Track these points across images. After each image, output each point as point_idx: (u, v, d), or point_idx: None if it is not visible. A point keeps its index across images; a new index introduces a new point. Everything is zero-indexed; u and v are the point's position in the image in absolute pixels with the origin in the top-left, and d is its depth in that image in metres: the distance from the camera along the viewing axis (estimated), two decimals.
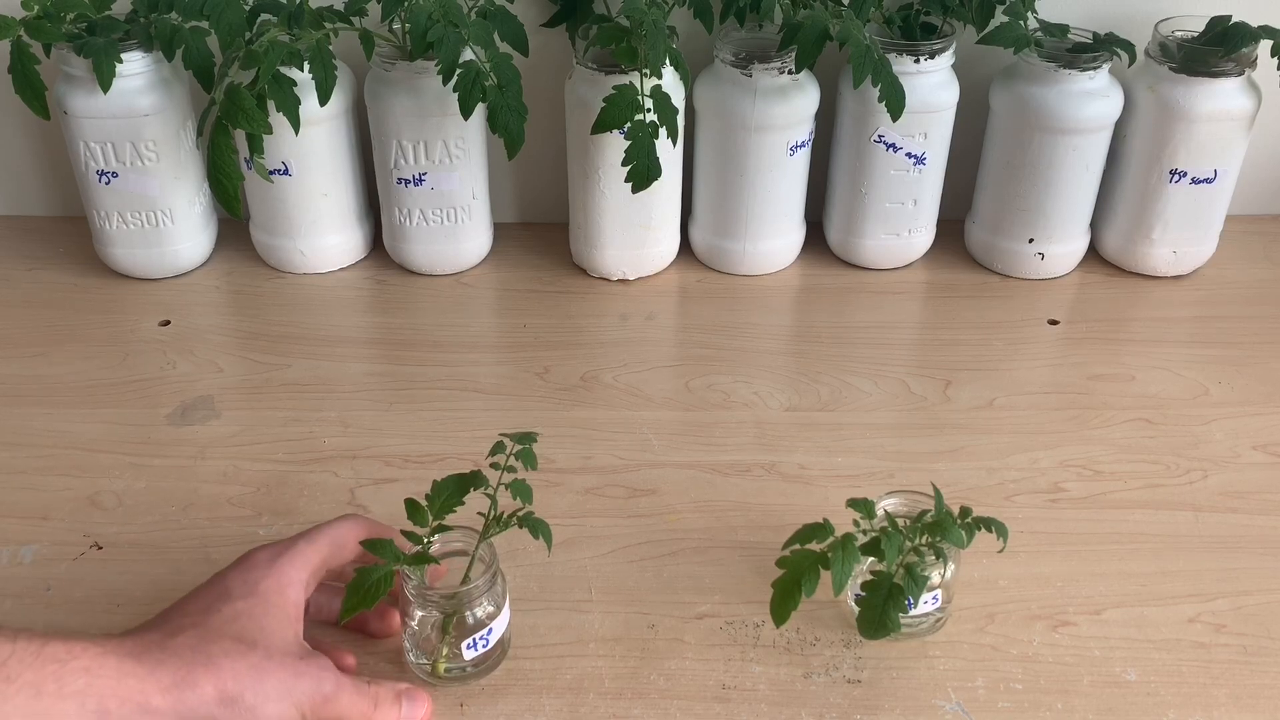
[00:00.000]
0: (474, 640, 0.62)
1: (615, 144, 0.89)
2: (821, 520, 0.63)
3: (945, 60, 0.94)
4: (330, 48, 0.87)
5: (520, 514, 0.61)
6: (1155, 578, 0.71)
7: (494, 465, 0.61)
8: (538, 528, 0.61)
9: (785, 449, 0.81)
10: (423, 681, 0.63)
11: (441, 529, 0.61)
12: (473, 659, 0.63)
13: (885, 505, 0.66)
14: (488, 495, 0.61)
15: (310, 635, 0.59)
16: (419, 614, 0.62)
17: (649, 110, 0.85)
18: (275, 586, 0.58)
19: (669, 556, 0.72)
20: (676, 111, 0.88)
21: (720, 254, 1.02)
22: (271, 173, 0.93)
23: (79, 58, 0.88)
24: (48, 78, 0.89)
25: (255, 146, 0.85)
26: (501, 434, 0.63)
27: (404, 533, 0.60)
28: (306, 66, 0.85)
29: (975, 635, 0.67)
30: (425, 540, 0.60)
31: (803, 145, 0.96)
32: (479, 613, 0.62)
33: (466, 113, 0.86)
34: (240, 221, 1.03)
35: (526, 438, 0.62)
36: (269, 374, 0.89)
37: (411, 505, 0.60)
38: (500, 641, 0.64)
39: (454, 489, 0.61)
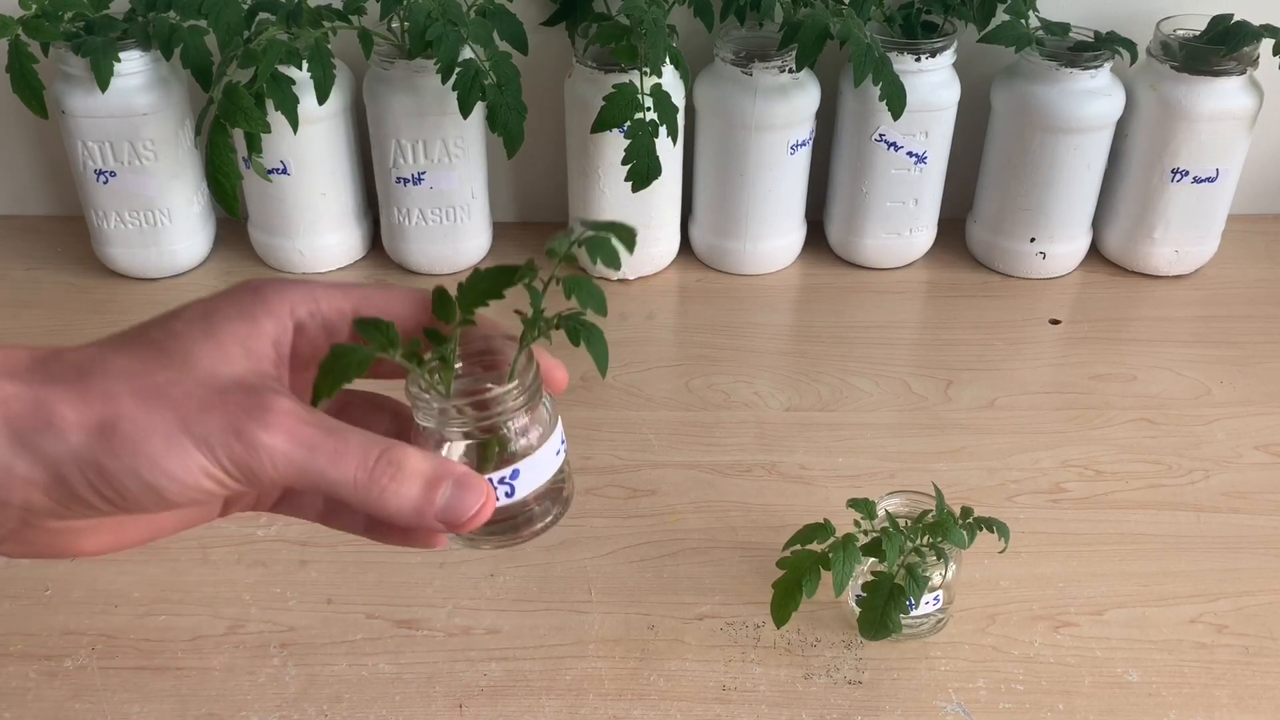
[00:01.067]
0: (492, 484, 0.43)
1: (615, 143, 0.89)
2: (822, 521, 0.63)
3: (946, 59, 0.93)
4: (329, 46, 0.87)
5: (570, 315, 0.43)
6: (1157, 578, 0.71)
7: (549, 252, 0.41)
8: (589, 336, 0.43)
9: (786, 449, 0.81)
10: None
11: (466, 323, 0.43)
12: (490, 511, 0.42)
13: (886, 505, 0.66)
14: (532, 289, 0.42)
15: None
16: (430, 443, 0.44)
17: (649, 109, 0.85)
18: (238, 313, 0.40)
19: (669, 557, 0.72)
20: (676, 110, 0.88)
21: (720, 253, 1.01)
22: (270, 172, 0.93)
23: (77, 57, 0.87)
24: (45, 77, 0.89)
25: (254, 145, 0.84)
26: (581, 219, 0.45)
27: (426, 331, 0.42)
28: (305, 65, 0.85)
29: (976, 636, 0.66)
30: (449, 338, 0.42)
31: (803, 144, 0.96)
32: (517, 446, 0.44)
33: (466, 111, 0.85)
34: (239, 221, 1.02)
35: (614, 227, 0.41)
36: None
37: (440, 297, 0.43)
38: (542, 498, 0.45)
39: (494, 281, 0.42)
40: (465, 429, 0.43)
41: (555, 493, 0.46)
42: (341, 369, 0.40)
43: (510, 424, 0.43)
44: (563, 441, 0.45)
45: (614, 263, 0.40)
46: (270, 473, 0.37)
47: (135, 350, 0.38)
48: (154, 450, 0.36)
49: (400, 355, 0.41)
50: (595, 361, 0.43)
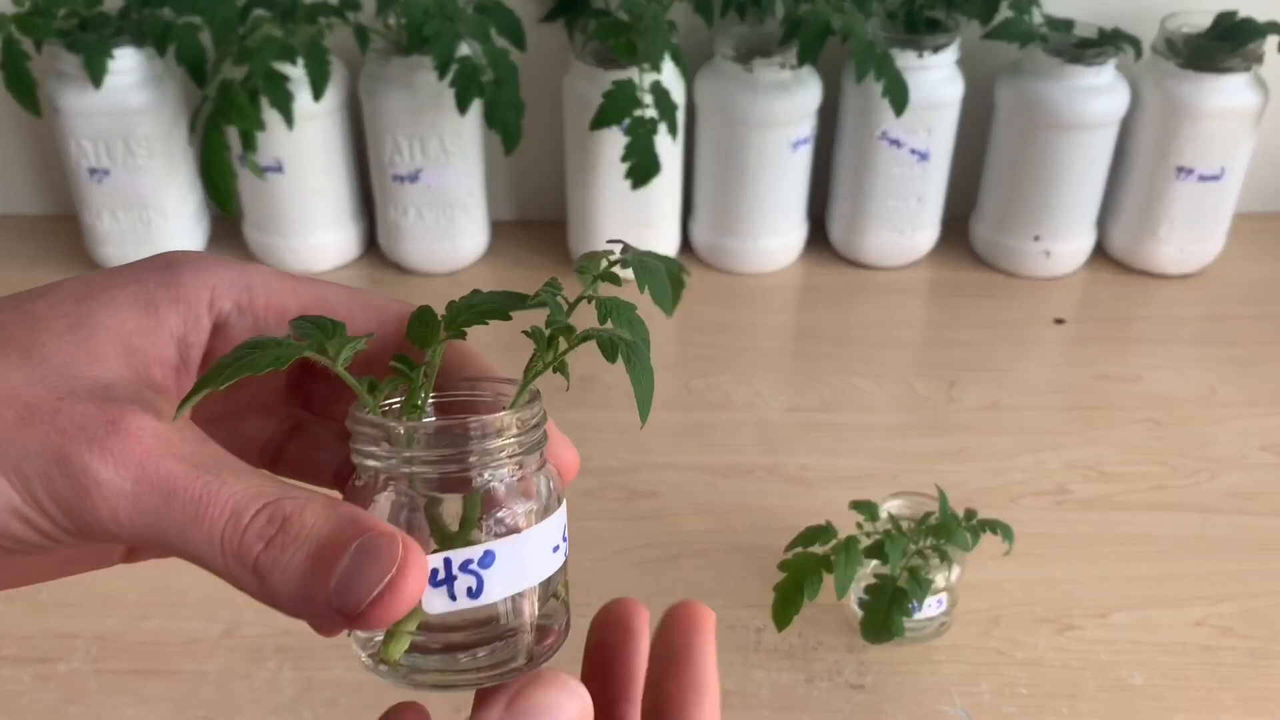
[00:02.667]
0: (449, 570, 0.28)
1: (614, 140, 0.88)
2: (824, 523, 0.63)
3: (949, 55, 0.93)
4: (324, 43, 0.86)
5: (604, 332, 0.30)
6: (1162, 580, 0.70)
7: (581, 270, 0.31)
8: (632, 358, 0.30)
9: (787, 450, 0.80)
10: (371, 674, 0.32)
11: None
12: (441, 614, 0.29)
13: (889, 507, 0.66)
14: (553, 300, 0.30)
15: None
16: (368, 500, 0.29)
17: (648, 106, 0.84)
18: (131, 297, 0.29)
19: (669, 560, 0.71)
20: (676, 107, 0.87)
21: (721, 252, 1.01)
22: (264, 169, 0.92)
23: (70, 54, 0.87)
24: (39, 74, 0.88)
25: (248, 143, 0.84)
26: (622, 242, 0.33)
27: (395, 359, 0.30)
28: (300, 61, 0.84)
29: (980, 639, 0.66)
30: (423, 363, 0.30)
31: (805, 141, 0.95)
32: (495, 518, 0.29)
33: (463, 108, 0.85)
34: (233, 219, 1.02)
35: (665, 260, 0.32)
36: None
37: (420, 317, 0.31)
38: (519, 613, 0.30)
39: (499, 302, 0.30)
40: (423, 474, 0.29)
41: (545, 612, 0.31)
42: (243, 362, 0.27)
43: (492, 478, 0.29)
44: (564, 539, 0.31)
45: (664, 301, 0.31)
46: (105, 523, 0.26)
47: None
48: None
49: (339, 364, 0.29)
50: (637, 396, 0.29)
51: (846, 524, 0.63)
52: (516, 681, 0.28)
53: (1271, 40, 0.90)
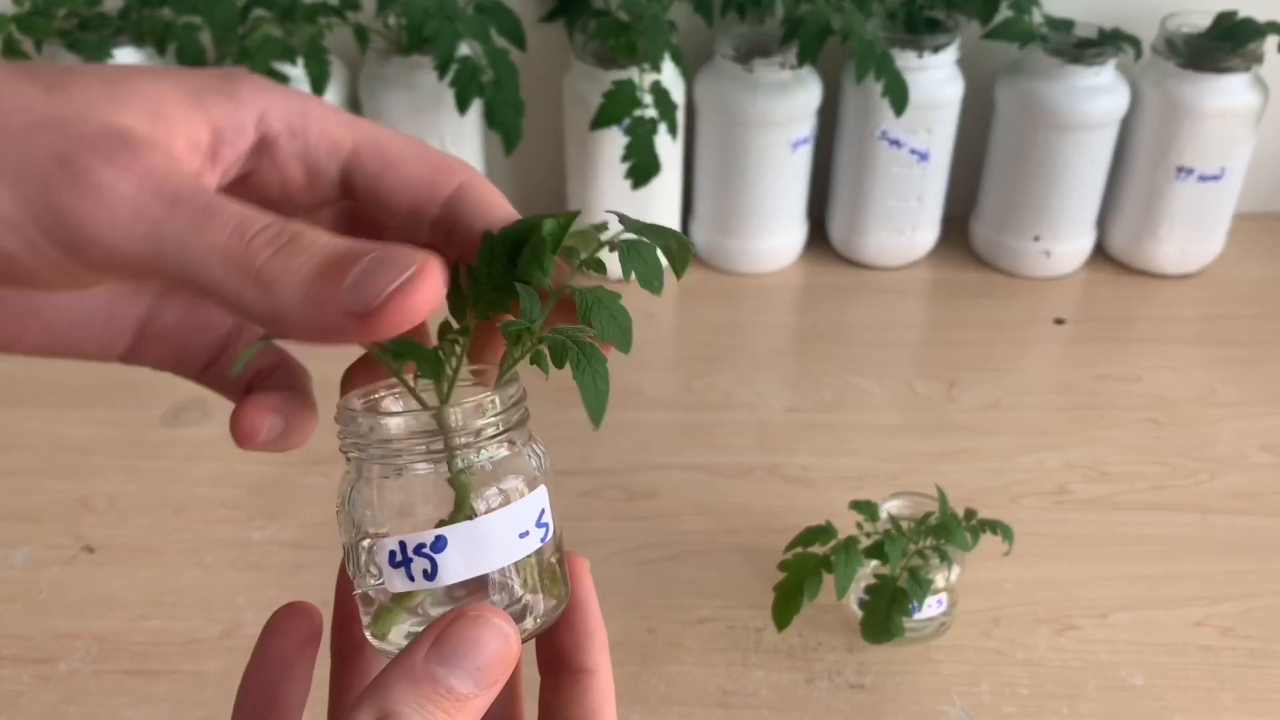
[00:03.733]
0: (405, 552, 0.29)
1: (614, 140, 0.88)
2: (824, 523, 0.63)
3: (949, 55, 0.93)
4: (324, 43, 0.86)
5: (565, 331, 0.29)
6: (1162, 580, 0.70)
7: (569, 251, 0.30)
8: (586, 363, 0.29)
9: (787, 450, 0.80)
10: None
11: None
12: (403, 592, 0.30)
13: (889, 507, 0.66)
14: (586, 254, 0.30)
15: None
16: (351, 483, 0.30)
17: (648, 105, 0.84)
18: (177, 83, 0.28)
19: (669, 560, 0.71)
20: (676, 107, 0.87)
21: (721, 252, 1.01)
22: None
23: (70, 54, 0.87)
24: None
25: None
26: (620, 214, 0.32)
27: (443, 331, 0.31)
28: (300, 62, 0.84)
29: (980, 639, 0.66)
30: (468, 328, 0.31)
31: (805, 141, 0.95)
32: (492, 493, 0.30)
33: (463, 108, 0.85)
34: None
35: (665, 234, 0.31)
36: None
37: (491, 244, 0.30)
38: (505, 589, 0.30)
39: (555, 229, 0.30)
40: (415, 459, 0.30)
41: (534, 588, 0.31)
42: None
43: (480, 457, 0.30)
44: (543, 523, 0.30)
45: (654, 283, 0.30)
46: (103, 229, 0.24)
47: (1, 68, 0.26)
48: None
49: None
50: (585, 403, 0.28)
51: (846, 524, 0.63)
52: (442, 619, 0.28)
53: (1271, 40, 0.90)
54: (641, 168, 0.85)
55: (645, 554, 0.71)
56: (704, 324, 0.95)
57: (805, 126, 0.94)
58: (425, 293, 0.25)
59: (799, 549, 0.62)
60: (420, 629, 0.29)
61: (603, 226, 0.30)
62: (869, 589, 0.62)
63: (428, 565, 0.29)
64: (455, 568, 0.29)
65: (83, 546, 0.72)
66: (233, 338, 0.33)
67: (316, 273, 0.25)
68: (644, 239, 0.30)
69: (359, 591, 0.31)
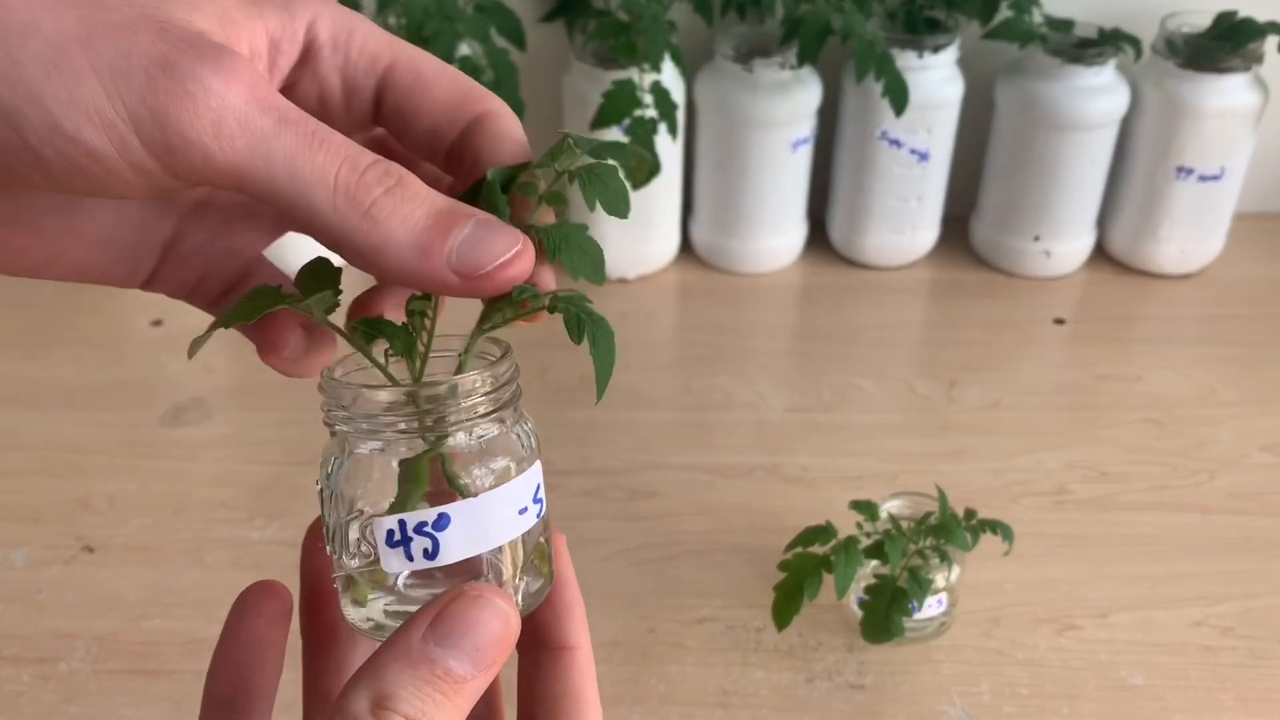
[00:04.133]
0: (405, 531, 0.28)
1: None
2: (824, 523, 0.63)
3: (949, 55, 0.93)
4: None
5: (569, 297, 0.29)
6: (1162, 580, 0.70)
7: (540, 165, 0.31)
8: (594, 332, 0.29)
9: (787, 450, 0.80)
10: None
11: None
12: (404, 575, 0.30)
13: (889, 507, 0.66)
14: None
15: None
16: (333, 456, 0.30)
17: (648, 105, 0.84)
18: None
19: (669, 560, 0.71)
20: (676, 107, 0.87)
21: (721, 252, 1.01)
22: None
23: None
24: None
25: None
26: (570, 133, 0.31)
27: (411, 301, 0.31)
28: None
29: (980, 639, 0.66)
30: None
31: (805, 141, 0.95)
32: (482, 472, 0.29)
33: None
34: None
35: (620, 149, 0.31)
36: (262, 375, 0.88)
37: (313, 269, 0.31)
38: (496, 569, 0.30)
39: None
40: (404, 436, 0.29)
41: (526, 568, 0.31)
42: (252, 302, 0.29)
43: (471, 435, 0.29)
44: (538, 499, 0.30)
45: (621, 207, 0.29)
46: (205, 136, 0.24)
47: None
48: (23, 57, 0.22)
49: (314, 309, 0.29)
50: (596, 370, 0.29)
51: (846, 524, 0.63)
52: (440, 599, 0.27)
53: (1271, 40, 0.90)
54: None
55: (645, 554, 0.71)
56: (704, 324, 0.95)
57: (805, 126, 0.94)
58: (522, 270, 0.27)
59: (799, 549, 0.62)
60: (396, 607, 0.28)
61: (563, 143, 0.29)
62: (869, 589, 0.62)
63: (429, 544, 0.28)
64: (457, 546, 0.29)
65: (83, 546, 0.72)
66: (254, 265, 0.32)
67: (427, 222, 0.26)
68: (604, 160, 0.29)
69: (341, 574, 0.30)
